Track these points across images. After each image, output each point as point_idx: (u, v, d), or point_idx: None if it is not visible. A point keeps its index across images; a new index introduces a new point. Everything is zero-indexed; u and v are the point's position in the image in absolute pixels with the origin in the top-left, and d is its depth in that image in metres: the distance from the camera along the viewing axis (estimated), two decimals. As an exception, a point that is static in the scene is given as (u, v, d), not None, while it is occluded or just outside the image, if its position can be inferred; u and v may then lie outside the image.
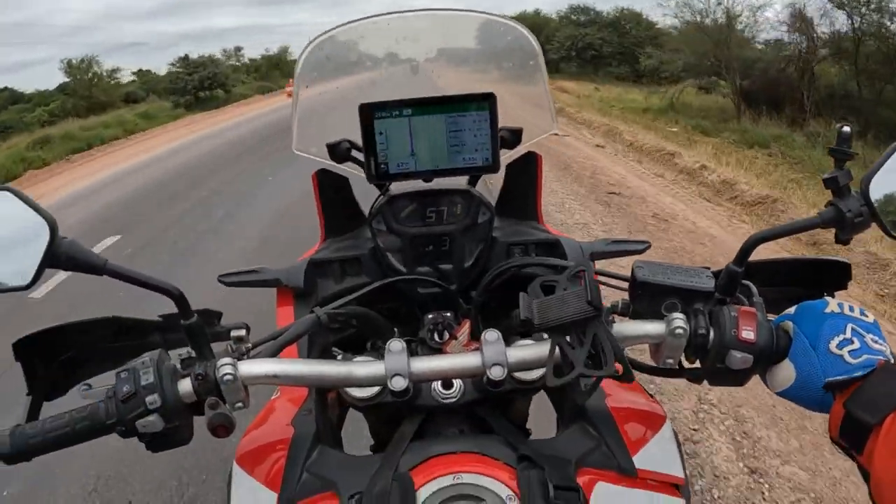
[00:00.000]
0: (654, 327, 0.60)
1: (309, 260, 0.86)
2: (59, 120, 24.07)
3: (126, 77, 36.04)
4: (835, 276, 0.76)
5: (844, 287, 0.76)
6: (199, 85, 30.47)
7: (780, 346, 0.59)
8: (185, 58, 32.36)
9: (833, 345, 0.56)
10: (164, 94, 31.42)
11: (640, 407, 0.73)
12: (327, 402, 0.79)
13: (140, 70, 40.15)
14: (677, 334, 0.59)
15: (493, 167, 0.82)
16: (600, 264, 0.87)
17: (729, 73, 16.25)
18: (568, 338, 0.57)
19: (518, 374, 0.67)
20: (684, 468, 0.71)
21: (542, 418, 0.90)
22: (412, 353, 0.77)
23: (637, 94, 21.24)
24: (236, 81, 36.11)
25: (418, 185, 0.84)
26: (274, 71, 42.31)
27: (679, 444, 0.73)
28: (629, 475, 0.63)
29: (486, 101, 0.79)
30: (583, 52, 33.77)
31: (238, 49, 43.24)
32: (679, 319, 0.59)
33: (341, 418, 0.86)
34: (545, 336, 0.60)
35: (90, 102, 28.13)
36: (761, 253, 0.66)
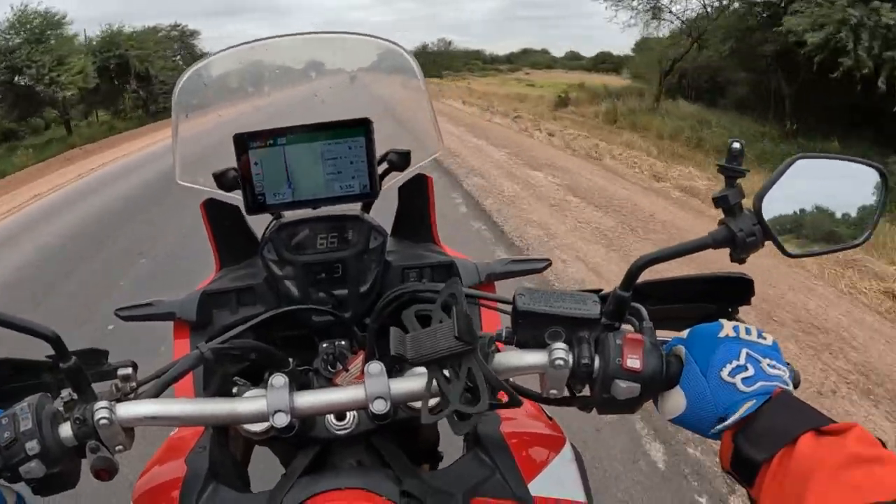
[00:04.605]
0: (535, 357, 0.58)
1: (202, 291, 0.83)
2: None
3: None
4: (737, 291, 0.74)
5: (748, 302, 0.73)
6: None
7: (670, 373, 0.56)
8: None
9: (725, 372, 0.53)
10: None
11: (537, 430, 0.72)
12: (230, 435, 0.76)
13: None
14: (557, 365, 0.56)
15: (371, 194, 0.80)
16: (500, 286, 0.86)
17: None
18: (446, 372, 0.55)
19: (412, 403, 0.66)
20: (587, 490, 0.70)
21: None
22: (306, 384, 0.75)
23: None
24: None
25: (308, 212, 0.82)
26: None
27: (581, 465, 0.72)
28: (525, 503, 0.62)
29: (362, 127, 0.77)
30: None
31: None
32: (560, 350, 0.56)
33: (248, 452, 0.83)
34: None
35: None
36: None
